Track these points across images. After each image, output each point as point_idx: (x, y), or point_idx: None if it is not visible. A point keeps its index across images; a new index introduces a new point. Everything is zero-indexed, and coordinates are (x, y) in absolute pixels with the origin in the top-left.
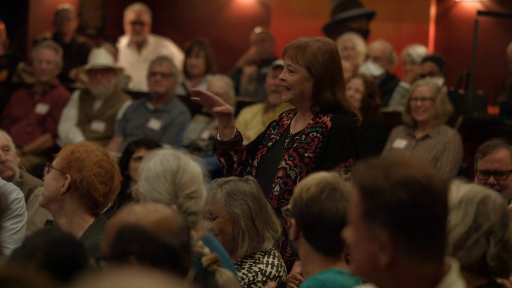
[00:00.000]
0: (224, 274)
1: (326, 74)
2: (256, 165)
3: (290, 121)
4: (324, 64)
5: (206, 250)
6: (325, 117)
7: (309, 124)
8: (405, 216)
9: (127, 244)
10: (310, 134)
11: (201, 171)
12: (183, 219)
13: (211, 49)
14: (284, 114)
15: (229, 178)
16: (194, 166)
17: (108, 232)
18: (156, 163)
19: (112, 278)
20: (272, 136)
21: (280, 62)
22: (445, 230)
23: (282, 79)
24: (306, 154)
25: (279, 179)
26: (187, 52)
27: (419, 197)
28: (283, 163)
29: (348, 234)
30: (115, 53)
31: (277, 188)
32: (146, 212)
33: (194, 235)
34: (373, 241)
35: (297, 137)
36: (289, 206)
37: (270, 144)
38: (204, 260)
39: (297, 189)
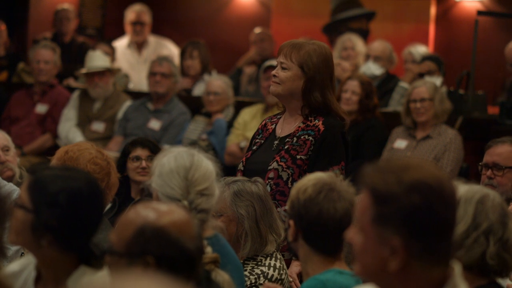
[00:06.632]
0: (221, 276)
1: (318, 75)
2: (241, 168)
3: (275, 125)
4: (317, 65)
5: (209, 249)
6: (317, 121)
7: (299, 127)
8: (418, 221)
9: (147, 244)
10: (302, 137)
11: (215, 169)
12: (197, 224)
13: (206, 48)
14: (267, 120)
15: (238, 178)
16: (207, 164)
17: (123, 228)
18: (170, 159)
19: (121, 279)
20: (257, 140)
21: (270, 63)
22: (453, 233)
23: (274, 75)
24: (298, 156)
25: (270, 180)
26: (182, 54)
27: (432, 201)
28: (274, 164)
29: (354, 236)
30: (111, 53)
31: (267, 188)
32: (166, 213)
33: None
34: (383, 246)
35: (287, 139)
36: (286, 207)
37: (254, 147)
38: (203, 258)
39: (293, 191)
